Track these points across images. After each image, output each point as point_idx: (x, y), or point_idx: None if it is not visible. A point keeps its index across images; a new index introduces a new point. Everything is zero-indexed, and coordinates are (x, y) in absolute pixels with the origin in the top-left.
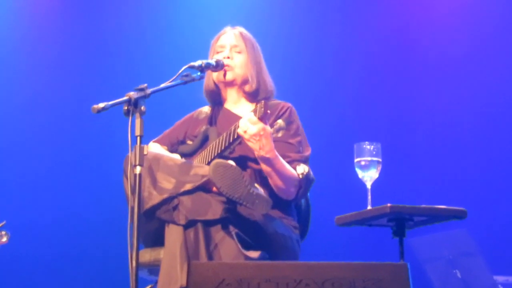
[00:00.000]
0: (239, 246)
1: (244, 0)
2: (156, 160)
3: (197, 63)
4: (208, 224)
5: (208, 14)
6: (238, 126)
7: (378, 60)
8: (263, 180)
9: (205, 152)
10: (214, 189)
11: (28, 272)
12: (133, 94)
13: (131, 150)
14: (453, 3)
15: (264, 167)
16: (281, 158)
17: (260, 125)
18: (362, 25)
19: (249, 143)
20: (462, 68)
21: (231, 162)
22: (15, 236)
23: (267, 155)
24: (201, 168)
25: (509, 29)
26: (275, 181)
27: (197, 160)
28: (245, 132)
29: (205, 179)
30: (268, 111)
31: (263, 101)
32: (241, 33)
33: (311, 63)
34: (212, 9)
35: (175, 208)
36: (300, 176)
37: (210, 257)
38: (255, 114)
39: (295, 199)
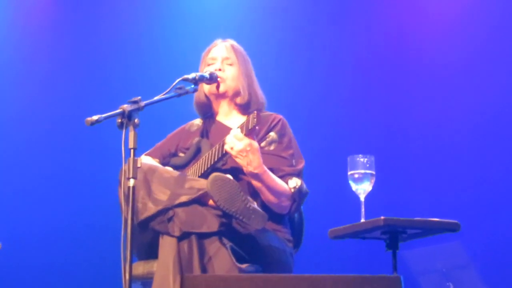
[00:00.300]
0: (233, 259)
1: (237, 14)
2: (151, 171)
3: (191, 75)
4: (202, 236)
5: (202, 26)
6: (225, 143)
7: (372, 72)
8: (256, 192)
9: (198, 165)
10: (210, 202)
11: (20, 284)
12: (126, 107)
13: (125, 163)
14: (446, 17)
15: (254, 182)
16: (270, 173)
17: (247, 141)
18: (355, 37)
19: (237, 159)
20: (455, 81)
21: (229, 176)
22: (8, 246)
23: (256, 171)
24: (197, 181)
25: (502, 48)
26: (266, 196)
27: (189, 173)
28: (231, 148)
29: (201, 192)
30: (257, 128)
31: (255, 112)
32: (232, 46)
33: (304, 75)
34: (206, 22)
35: (170, 219)
36: (292, 190)
37: (203, 269)
38: (242, 130)
39: (289, 213)
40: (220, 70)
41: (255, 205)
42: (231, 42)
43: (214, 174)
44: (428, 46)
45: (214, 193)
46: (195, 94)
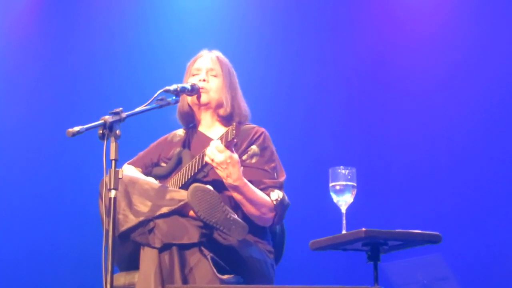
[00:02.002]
0: (214, 270)
1: (217, 26)
2: (132, 183)
3: (172, 87)
4: (183, 247)
5: (186, 37)
6: (205, 154)
7: (353, 84)
8: (238, 204)
9: (178, 176)
10: (191, 213)
11: None
12: (108, 118)
13: (106, 174)
14: (431, 29)
15: (234, 195)
16: (251, 185)
17: (227, 153)
18: (339, 50)
19: (217, 171)
20: (435, 95)
21: (209, 187)
22: None
23: (235, 183)
24: (178, 192)
25: (487, 58)
26: (247, 209)
27: (170, 184)
28: (212, 160)
29: (182, 203)
30: (235, 140)
31: (234, 124)
32: (218, 57)
33: (286, 88)
34: (190, 33)
35: (150, 231)
36: (275, 202)
37: (185, 281)
38: (222, 141)
39: (272, 226)
40: (204, 80)
41: (235, 216)
42: (217, 53)
43: (194, 185)
44: (411, 60)
45: (194, 203)
46: (179, 103)
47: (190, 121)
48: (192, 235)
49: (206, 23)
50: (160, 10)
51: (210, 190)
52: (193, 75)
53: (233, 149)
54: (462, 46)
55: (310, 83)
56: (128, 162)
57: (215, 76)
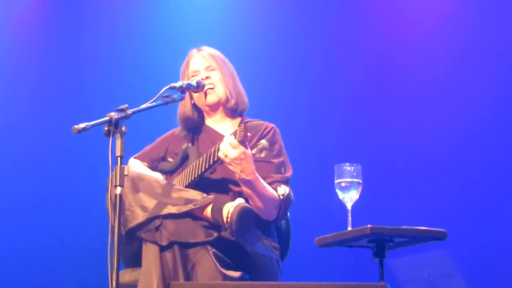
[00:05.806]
0: (218, 265)
1: (222, 24)
2: (139, 179)
3: (178, 84)
4: (188, 246)
5: (190, 34)
6: (218, 149)
7: (359, 82)
8: (245, 199)
9: (185, 173)
10: (204, 214)
11: None
12: (113, 115)
13: (112, 171)
14: (435, 27)
15: (245, 189)
16: (261, 180)
17: (241, 149)
18: (344, 47)
19: (230, 167)
20: (440, 91)
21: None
22: None
23: (248, 178)
24: (187, 192)
25: (492, 57)
26: (255, 203)
27: (177, 181)
28: (226, 156)
29: (198, 205)
30: (248, 134)
31: (242, 125)
32: (208, 54)
33: (292, 84)
34: (194, 30)
35: (157, 228)
36: (281, 197)
37: (187, 277)
38: (235, 137)
39: (276, 220)
40: (207, 78)
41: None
42: (206, 50)
43: (243, 205)
44: (416, 58)
45: (236, 224)
46: (180, 108)
47: (193, 125)
48: (199, 236)
49: (211, 21)
50: (165, 7)
51: (253, 212)
52: (192, 77)
53: (247, 144)
54: (466, 44)
55: (315, 80)
56: (134, 156)
57: (213, 70)
